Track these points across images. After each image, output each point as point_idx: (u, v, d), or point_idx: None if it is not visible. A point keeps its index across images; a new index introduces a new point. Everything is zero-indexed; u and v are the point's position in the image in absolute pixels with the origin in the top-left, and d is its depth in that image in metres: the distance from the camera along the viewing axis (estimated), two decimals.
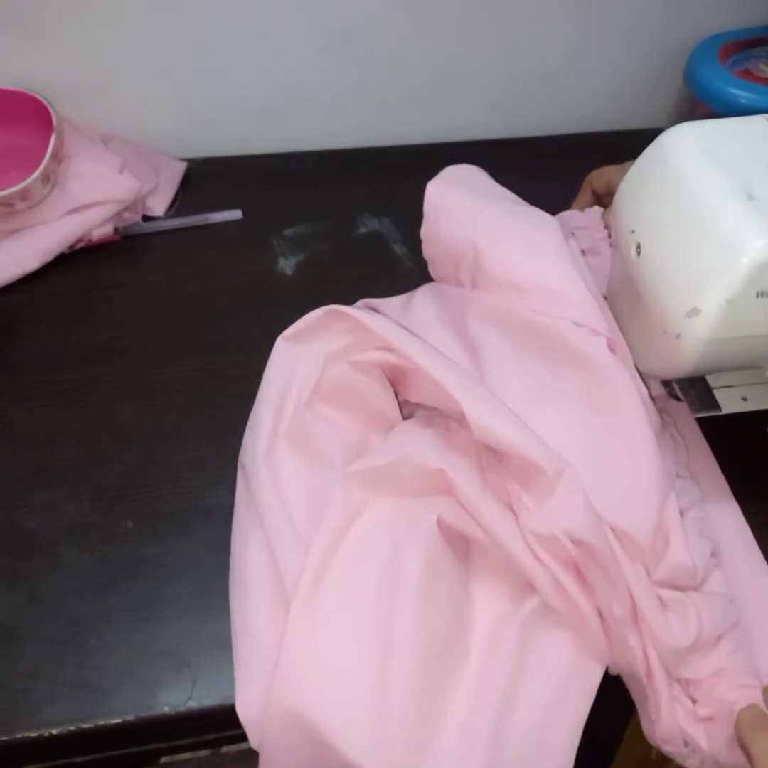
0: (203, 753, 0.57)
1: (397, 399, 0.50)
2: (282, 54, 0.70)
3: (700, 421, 0.53)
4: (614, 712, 0.57)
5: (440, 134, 0.77)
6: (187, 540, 0.48)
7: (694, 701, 0.41)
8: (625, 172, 0.49)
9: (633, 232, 0.43)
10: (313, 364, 0.48)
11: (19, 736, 0.41)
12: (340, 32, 0.69)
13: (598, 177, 0.59)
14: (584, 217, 0.57)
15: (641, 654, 0.40)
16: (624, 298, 0.47)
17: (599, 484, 0.42)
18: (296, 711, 0.38)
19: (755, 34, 0.71)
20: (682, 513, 0.44)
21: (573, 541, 0.40)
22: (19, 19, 0.63)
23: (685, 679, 0.41)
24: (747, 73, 0.68)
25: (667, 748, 0.41)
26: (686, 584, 0.43)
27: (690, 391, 0.54)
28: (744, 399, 0.54)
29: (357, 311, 0.48)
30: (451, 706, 0.40)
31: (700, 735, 0.40)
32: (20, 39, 0.65)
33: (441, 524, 0.43)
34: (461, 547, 0.45)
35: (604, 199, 0.60)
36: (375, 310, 0.54)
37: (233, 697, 0.41)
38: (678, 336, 0.40)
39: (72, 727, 0.41)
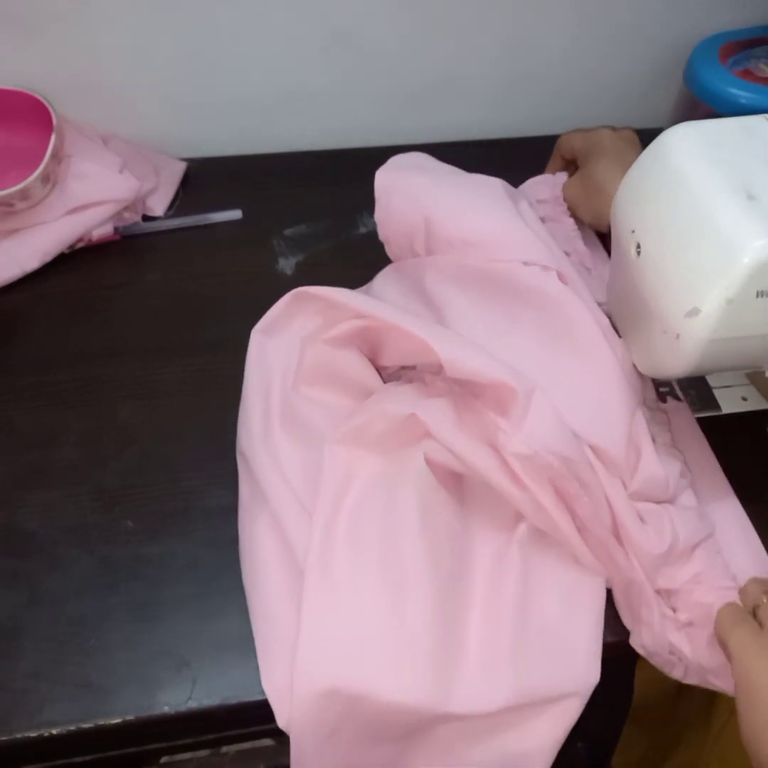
0: (203, 753, 0.57)
1: (377, 368, 0.52)
2: (282, 54, 0.70)
3: (700, 421, 0.53)
4: (611, 711, 0.57)
5: (440, 134, 0.77)
6: (187, 540, 0.48)
7: (674, 610, 0.43)
8: (589, 137, 0.55)
9: (633, 232, 0.43)
10: (291, 351, 0.50)
11: (19, 735, 0.41)
12: (340, 32, 0.69)
13: (565, 142, 0.61)
14: (546, 189, 0.60)
15: (626, 563, 0.42)
16: (624, 298, 0.47)
17: (567, 404, 0.44)
18: (324, 685, 0.39)
19: (755, 34, 0.71)
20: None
21: (553, 455, 0.41)
22: (19, 19, 0.64)
23: (664, 589, 0.43)
24: (747, 73, 0.68)
25: (655, 661, 0.43)
26: (659, 496, 0.45)
27: (690, 391, 0.54)
28: (744, 399, 0.54)
29: (322, 289, 0.50)
30: (469, 629, 0.42)
31: (682, 642, 0.42)
32: (20, 39, 0.65)
33: (429, 463, 0.45)
34: (453, 483, 0.46)
35: (569, 165, 0.62)
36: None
37: (234, 697, 0.41)
38: (678, 336, 0.40)
39: (72, 727, 0.41)
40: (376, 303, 0.50)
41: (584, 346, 0.47)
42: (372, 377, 0.51)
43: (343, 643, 0.40)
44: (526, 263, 0.49)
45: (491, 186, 0.54)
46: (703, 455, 0.52)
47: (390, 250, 0.57)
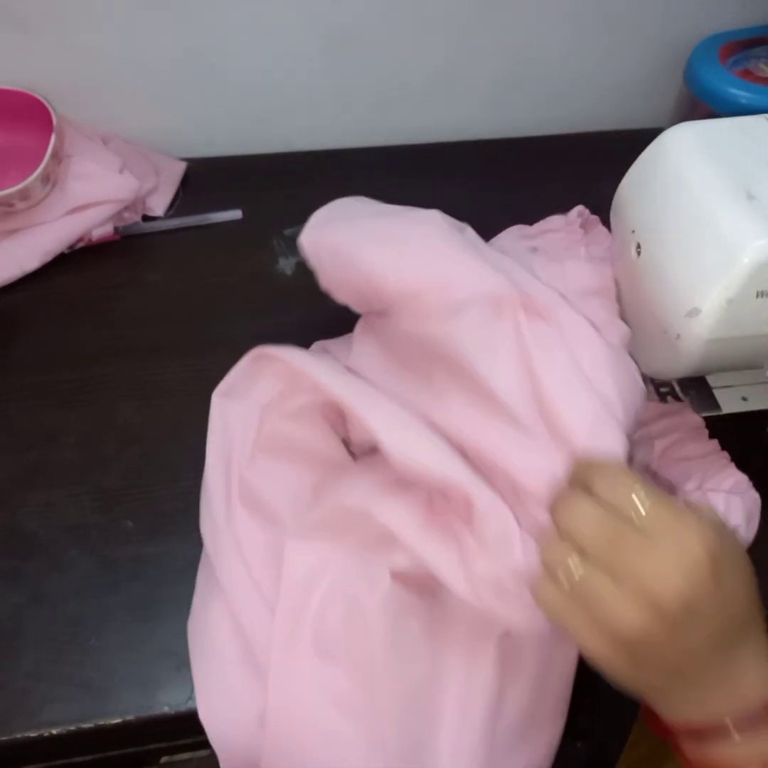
0: (203, 753, 0.57)
1: (345, 436, 0.47)
2: (282, 54, 0.70)
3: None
4: (618, 714, 0.57)
5: (440, 134, 0.77)
6: (187, 540, 0.48)
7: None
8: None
9: (633, 232, 0.43)
10: (250, 419, 0.46)
11: (19, 736, 0.41)
12: (339, 32, 0.69)
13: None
14: (559, 219, 0.54)
15: None
16: (624, 298, 0.47)
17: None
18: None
19: (755, 33, 0.71)
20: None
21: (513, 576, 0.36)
22: (19, 19, 0.63)
23: None
24: (747, 73, 0.68)
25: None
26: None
27: (690, 390, 0.54)
28: (744, 399, 0.53)
29: (281, 351, 0.46)
30: (440, 737, 0.40)
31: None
32: (20, 39, 0.65)
33: (396, 576, 0.41)
34: (424, 585, 0.42)
35: None
36: (326, 351, 0.53)
37: None
38: (678, 336, 0.40)
39: (72, 727, 0.41)
40: (334, 375, 0.45)
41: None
42: (337, 449, 0.47)
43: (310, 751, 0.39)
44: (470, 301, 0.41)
45: (427, 220, 0.45)
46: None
47: (357, 309, 0.51)
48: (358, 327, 0.51)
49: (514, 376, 0.39)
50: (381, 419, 0.41)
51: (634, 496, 0.32)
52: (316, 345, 0.55)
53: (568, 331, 0.40)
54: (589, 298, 0.45)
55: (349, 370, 0.48)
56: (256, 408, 0.46)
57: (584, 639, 0.32)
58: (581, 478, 0.35)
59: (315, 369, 0.45)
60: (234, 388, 0.48)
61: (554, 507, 0.35)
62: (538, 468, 0.37)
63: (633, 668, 0.32)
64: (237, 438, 0.46)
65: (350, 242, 0.46)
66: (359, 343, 0.50)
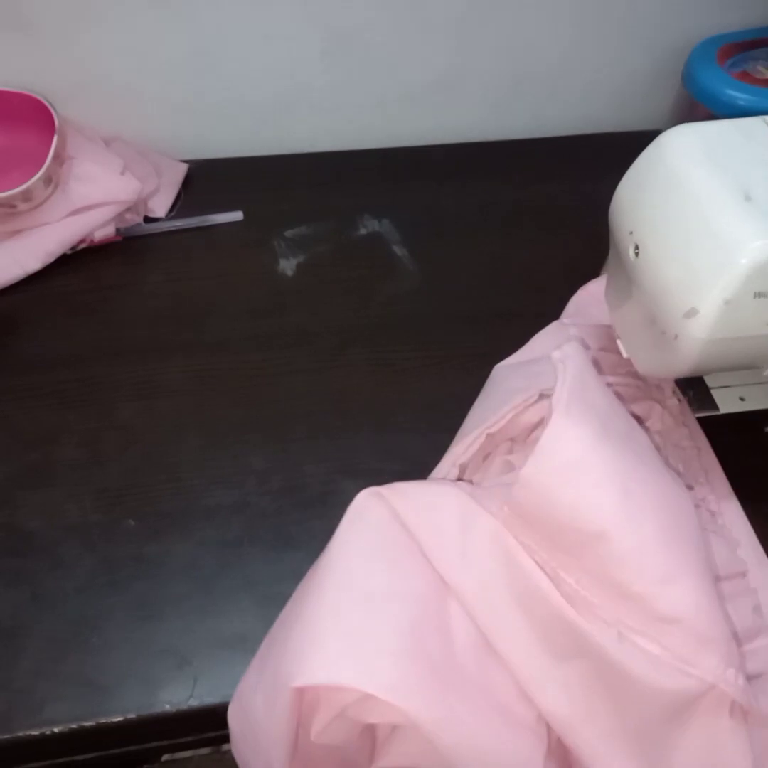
0: (204, 751, 0.57)
1: None
2: (282, 55, 0.70)
3: (698, 421, 0.53)
4: None
5: (439, 135, 0.77)
6: (188, 540, 0.48)
7: None
8: None
9: (631, 233, 0.43)
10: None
11: (20, 734, 0.41)
12: (340, 33, 0.69)
13: None
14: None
15: None
16: (622, 299, 0.48)
17: None
18: None
19: (753, 35, 0.72)
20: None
21: None
22: (21, 20, 0.64)
23: None
24: (745, 75, 0.68)
25: None
26: None
27: (688, 391, 0.54)
28: (742, 399, 0.54)
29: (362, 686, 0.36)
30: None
31: None
32: (22, 41, 0.65)
33: None
34: None
35: None
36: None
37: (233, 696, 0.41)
38: (676, 336, 0.40)
39: (73, 726, 0.41)
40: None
41: None
42: None
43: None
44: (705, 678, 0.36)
45: (684, 507, 0.40)
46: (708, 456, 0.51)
47: (514, 507, 0.41)
48: (484, 537, 0.41)
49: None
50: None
51: None
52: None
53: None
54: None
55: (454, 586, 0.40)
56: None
57: None
58: None
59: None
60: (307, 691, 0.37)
61: None
62: None
63: None
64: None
65: (603, 481, 0.39)
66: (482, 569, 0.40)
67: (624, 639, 0.37)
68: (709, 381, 0.54)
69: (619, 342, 0.48)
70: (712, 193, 0.39)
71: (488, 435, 0.47)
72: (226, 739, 0.40)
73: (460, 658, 0.39)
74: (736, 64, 0.69)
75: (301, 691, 0.36)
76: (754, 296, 0.37)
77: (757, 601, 0.44)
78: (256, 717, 0.38)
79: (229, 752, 0.41)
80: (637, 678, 0.36)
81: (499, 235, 0.68)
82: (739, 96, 0.66)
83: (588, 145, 0.78)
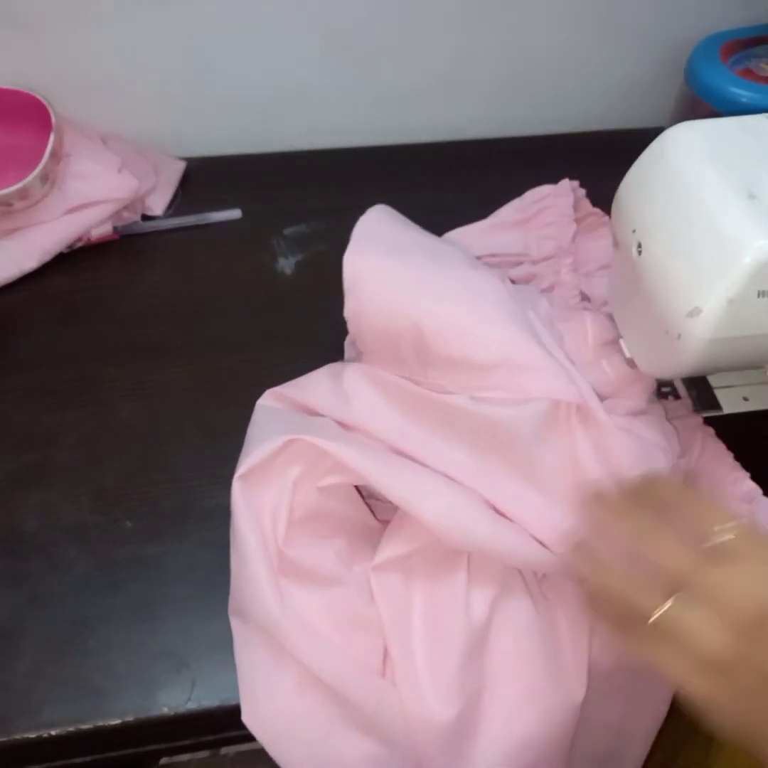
0: (202, 754, 0.57)
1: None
2: (282, 53, 0.70)
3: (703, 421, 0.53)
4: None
5: (440, 133, 0.77)
6: (187, 540, 0.48)
7: None
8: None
9: (634, 231, 0.43)
10: (280, 499, 0.44)
11: (18, 736, 0.41)
12: (339, 31, 0.69)
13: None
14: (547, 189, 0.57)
15: None
16: (625, 298, 0.47)
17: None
18: None
19: (756, 32, 0.71)
20: None
21: None
22: (18, 18, 0.63)
23: None
24: (748, 72, 0.68)
25: None
26: None
27: (691, 390, 0.54)
28: (745, 399, 0.53)
29: (314, 438, 0.43)
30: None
31: None
32: (19, 38, 0.65)
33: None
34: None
35: None
36: (285, 396, 0.49)
37: (233, 698, 0.41)
38: (679, 336, 0.40)
39: (71, 728, 0.41)
40: (366, 457, 0.42)
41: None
42: (371, 519, 0.47)
43: None
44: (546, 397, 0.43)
45: (489, 287, 0.46)
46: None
47: (363, 346, 0.49)
48: (357, 373, 0.48)
49: (561, 469, 0.43)
50: (412, 490, 0.42)
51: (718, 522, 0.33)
52: (269, 394, 0.51)
53: (603, 432, 0.44)
54: (607, 348, 0.49)
55: (353, 425, 0.46)
56: (287, 485, 0.44)
57: (675, 671, 0.32)
58: (648, 496, 0.37)
59: (348, 452, 0.43)
60: (253, 471, 0.45)
61: (635, 535, 0.36)
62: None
63: (722, 694, 0.32)
64: (267, 519, 0.44)
65: (401, 278, 0.45)
66: (365, 400, 0.47)
67: (475, 399, 0.43)
68: (713, 381, 0.54)
69: (621, 341, 0.48)
70: (715, 191, 0.38)
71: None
72: (224, 742, 0.40)
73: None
74: (740, 61, 0.69)
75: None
76: (758, 295, 0.37)
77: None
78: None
79: (227, 755, 0.41)
80: (497, 419, 0.42)
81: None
82: (743, 93, 0.66)
83: (590, 143, 0.77)
